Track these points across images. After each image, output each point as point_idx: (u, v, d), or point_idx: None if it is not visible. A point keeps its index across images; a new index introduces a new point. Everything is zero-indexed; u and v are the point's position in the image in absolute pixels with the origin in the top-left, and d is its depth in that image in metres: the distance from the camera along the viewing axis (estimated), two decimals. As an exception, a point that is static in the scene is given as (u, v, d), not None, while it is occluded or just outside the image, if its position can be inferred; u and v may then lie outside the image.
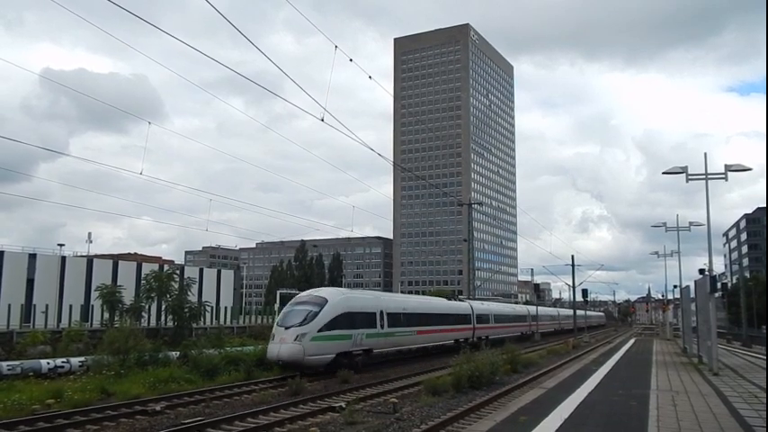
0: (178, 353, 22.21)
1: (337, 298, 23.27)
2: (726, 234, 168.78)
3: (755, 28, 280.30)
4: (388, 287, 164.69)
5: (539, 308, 68.18)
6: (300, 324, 21.40)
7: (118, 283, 32.58)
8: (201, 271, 47.66)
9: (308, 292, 25.07)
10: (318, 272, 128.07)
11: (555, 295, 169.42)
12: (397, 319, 26.96)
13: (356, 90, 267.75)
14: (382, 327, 25.30)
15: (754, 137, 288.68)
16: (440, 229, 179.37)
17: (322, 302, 22.45)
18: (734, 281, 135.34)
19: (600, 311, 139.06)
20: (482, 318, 40.12)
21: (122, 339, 19.76)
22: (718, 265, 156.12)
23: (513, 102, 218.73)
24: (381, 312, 25.45)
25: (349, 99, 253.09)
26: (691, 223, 38.42)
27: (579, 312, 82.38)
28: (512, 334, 45.71)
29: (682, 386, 16.00)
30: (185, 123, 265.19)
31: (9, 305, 30.19)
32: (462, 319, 36.76)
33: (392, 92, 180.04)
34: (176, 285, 28.49)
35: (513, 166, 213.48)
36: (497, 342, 37.18)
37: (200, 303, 29.74)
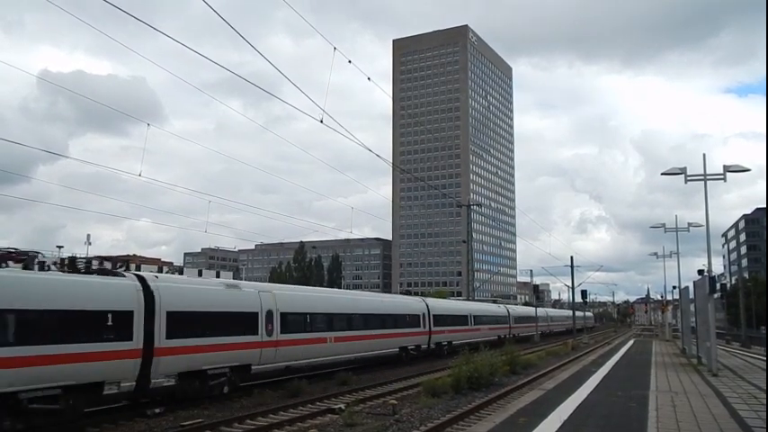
0: None
1: None
2: (725, 235, 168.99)
3: (753, 30, 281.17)
4: (387, 288, 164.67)
5: (464, 303, 46.80)
6: None
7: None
8: (200, 272, 47.60)
9: None
10: (317, 273, 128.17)
11: (554, 296, 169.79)
12: None
13: (355, 92, 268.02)
14: None
15: (753, 138, 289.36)
16: (439, 230, 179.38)
17: None
18: (733, 281, 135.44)
19: (589, 312, 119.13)
20: (217, 321, 16.53)
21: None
22: (717, 266, 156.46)
23: (511, 103, 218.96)
24: None
25: (348, 101, 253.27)
26: (690, 224, 38.47)
27: (543, 312, 68.64)
28: (361, 354, 24.28)
29: (681, 387, 16.00)
30: (184, 125, 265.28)
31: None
32: (84, 321, 12.77)
33: (391, 93, 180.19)
34: None
35: (512, 168, 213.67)
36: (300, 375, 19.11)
37: None
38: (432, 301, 34.70)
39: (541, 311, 66.39)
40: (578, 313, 76.21)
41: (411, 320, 29.39)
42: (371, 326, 24.90)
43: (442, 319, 33.14)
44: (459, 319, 36.87)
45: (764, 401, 12.90)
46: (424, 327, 30.61)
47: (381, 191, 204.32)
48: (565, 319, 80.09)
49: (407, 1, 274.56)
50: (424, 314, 30.83)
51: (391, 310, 28.06)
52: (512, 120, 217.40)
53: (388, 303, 29.32)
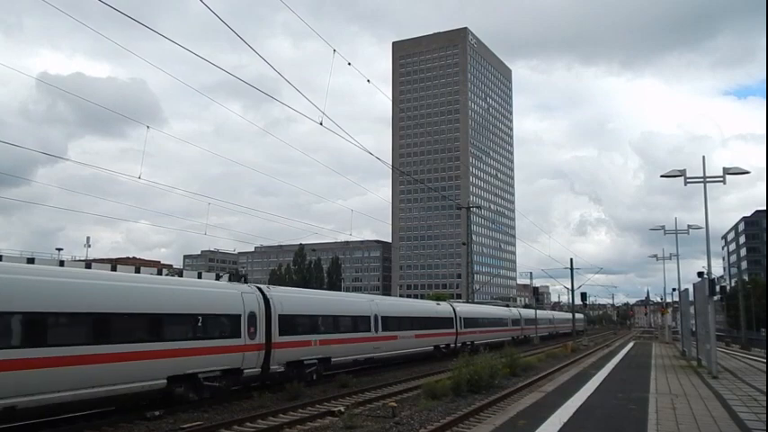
0: None
1: None
2: (724, 237, 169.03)
3: (751, 31, 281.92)
4: (387, 291, 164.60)
5: (364, 297, 28.79)
6: None
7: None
8: (200, 275, 47.54)
9: None
10: (317, 276, 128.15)
11: (554, 299, 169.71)
12: None
13: (355, 94, 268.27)
14: None
15: (752, 140, 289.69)
16: (438, 232, 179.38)
17: None
18: (732, 284, 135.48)
19: (582, 313, 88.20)
20: None
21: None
22: (717, 268, 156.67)
23: (511, 105, 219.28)
24: None
25: (347, 103, 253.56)
26: (689, 226, 38.49)
27: (516, 313, 53.19)
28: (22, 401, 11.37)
29: (681, 389, 16.00)
30: (184, 127, 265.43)
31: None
32: None
33: (390, 96, 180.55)
34: None
35: (512, 170, 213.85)
36: None
37: None
38: (279, 291, 20.39)
39: (515, 312, 53.95)
40: (566, 315, 72.29)
41: (213, 324, 16.41)
42: (60, 337, 12.48)
43: (300, 322, 19.94)
44: (349, 323, 23.28)
45: (764, 404, 12.90)
46: (252, 336, 17.31)
47: (381, 193, 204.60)
48: (547, 322, 68.46)
49: (407, 3, 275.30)
50: (252, 313, 17.47)
51: (142, 306, 14.34)
52: (511, 122, 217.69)
53: (138, 291, 14.64)
